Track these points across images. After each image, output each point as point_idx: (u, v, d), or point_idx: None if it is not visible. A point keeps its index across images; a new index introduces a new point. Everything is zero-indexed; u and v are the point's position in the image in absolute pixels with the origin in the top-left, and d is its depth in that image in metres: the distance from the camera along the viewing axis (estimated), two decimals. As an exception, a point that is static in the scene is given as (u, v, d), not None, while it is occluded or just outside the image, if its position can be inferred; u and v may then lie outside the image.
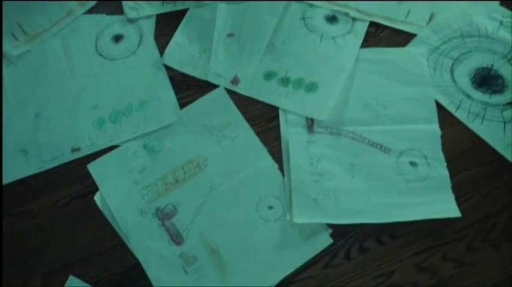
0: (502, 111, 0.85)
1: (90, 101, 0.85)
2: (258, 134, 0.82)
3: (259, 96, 0.85)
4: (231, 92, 0.85)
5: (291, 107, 0.84)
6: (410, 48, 0.90)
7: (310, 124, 0.82)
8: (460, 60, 0.89)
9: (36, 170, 0.80)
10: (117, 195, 0.77)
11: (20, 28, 0.90)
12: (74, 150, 0.81)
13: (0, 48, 0.88)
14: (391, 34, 0.92)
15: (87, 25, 0.92)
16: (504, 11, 0.93)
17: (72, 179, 0.80)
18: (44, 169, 0.80)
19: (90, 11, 0.93)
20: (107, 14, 0.93)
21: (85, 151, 0.81)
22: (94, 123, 0.83)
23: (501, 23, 0.92)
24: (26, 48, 0.89)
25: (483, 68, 0.88)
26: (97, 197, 0.77)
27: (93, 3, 0.93)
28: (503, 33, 0.91)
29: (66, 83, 0.87)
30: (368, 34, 0.91)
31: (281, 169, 0.79)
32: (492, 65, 0.88)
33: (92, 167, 0.80)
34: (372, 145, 0.81)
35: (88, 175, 0.79)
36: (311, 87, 0.85)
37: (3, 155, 0.81)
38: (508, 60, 0.89)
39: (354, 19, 0.92)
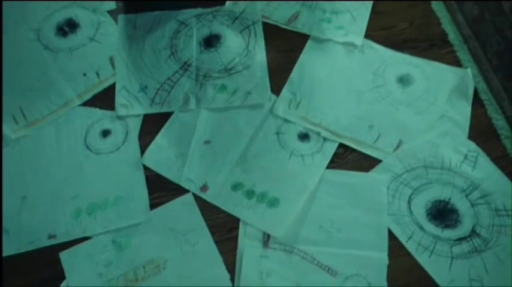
0: (451, 247, 0.89)
1: (72, 191, 0.91)
2: (217, 242, 0.88)
3: (224, 205, 0.91)
4: (198, 198, 0.91)
5: (251, 220, 0.89)
6: (373, 175, 0.94)
7: (266, 239, 0.88)
8: (419, 191, 0.93)
9: (13, 251, 0.86)
10: (81, 285, 0.85)
11: (21, 113, 0.97)
12: (50, 236, 0.88)
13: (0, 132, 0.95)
14: (358, 157, 0.96)
15: (80, 117, 0.98)
16: (471, 144, 0.96)
17: (45, 264, 0.86)
18: (20, 251, 0.86)
19: (85, 103, 1.00)
20: (100, 108, 0.99)
21: (60, 239, 0.87)
22: (72, 213, 0.89)
23: (466, 157, 0.96)
24: (23, 133, 0.96)
25: (440, 201, 0.92)
26: (62, 287, 0.85)
27: (89, 95, 1.00)
28: (466, 168, 0.95)
29: (53, 171, 0.93)
30: (336, 155, 0.95)
31: (232, 279, 0.85)
32: (450, 199, 0.92)
33: (63, 256, 0.86)
34: (320, 266, 0.86)
35: (59, 262, 0.86)
36: (273, 203, 0.90)
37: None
38: (466, 196, 0.93)
39: (325, 139, 0.96)
